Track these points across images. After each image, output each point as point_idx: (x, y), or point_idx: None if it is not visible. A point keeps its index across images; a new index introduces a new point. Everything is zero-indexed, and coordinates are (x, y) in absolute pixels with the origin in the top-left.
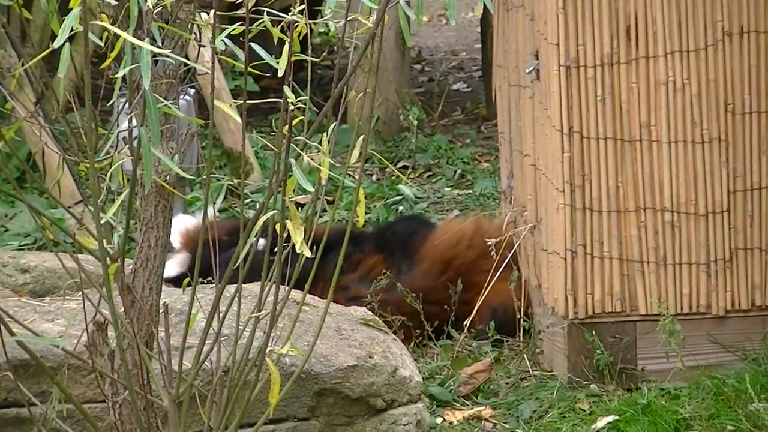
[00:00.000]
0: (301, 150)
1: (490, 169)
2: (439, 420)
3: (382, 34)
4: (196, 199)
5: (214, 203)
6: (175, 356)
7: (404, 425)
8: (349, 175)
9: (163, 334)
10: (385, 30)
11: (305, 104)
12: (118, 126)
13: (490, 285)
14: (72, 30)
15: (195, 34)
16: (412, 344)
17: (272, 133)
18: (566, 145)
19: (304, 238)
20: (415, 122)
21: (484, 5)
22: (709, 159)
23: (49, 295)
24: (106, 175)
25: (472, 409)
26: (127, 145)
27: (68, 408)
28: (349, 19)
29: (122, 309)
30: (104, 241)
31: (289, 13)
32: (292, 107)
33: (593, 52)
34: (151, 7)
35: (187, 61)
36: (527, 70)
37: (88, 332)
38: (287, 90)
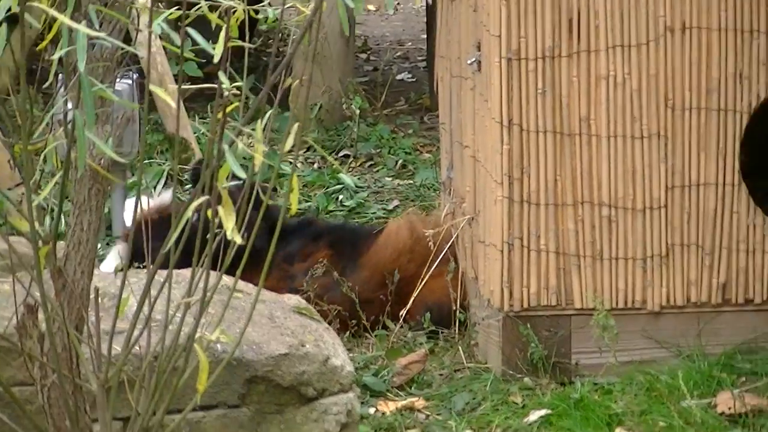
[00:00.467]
0: (236, 137)
1: (432, 159)
2: (372, 410)
3: (320, 21)
4: (135, 184)
5: (154, 188)
6: (106, 341)
7: (335, 414)
8: (290, 162)
9: (94, 318)
10: (328, 18)
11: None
12: (54, 108)
13: (427, 277)
14: (9, 10)
15: (133, 18)
16: (347, 334)
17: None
18: (506, 138)
19: (236, 225)
20: (358, 111)
21: None
22: (648, 154)
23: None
24: (40, 158)
25: (405, 399)
26: (62, 128)
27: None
28: (287, 6)
29: (53, 292)
30: (36, 223)
31: None
32: (226, 93)
33: (535, 44)
34: None
35: (124, 45)
36: (469, 62)
37: (17, 315)
38: (222, 76)
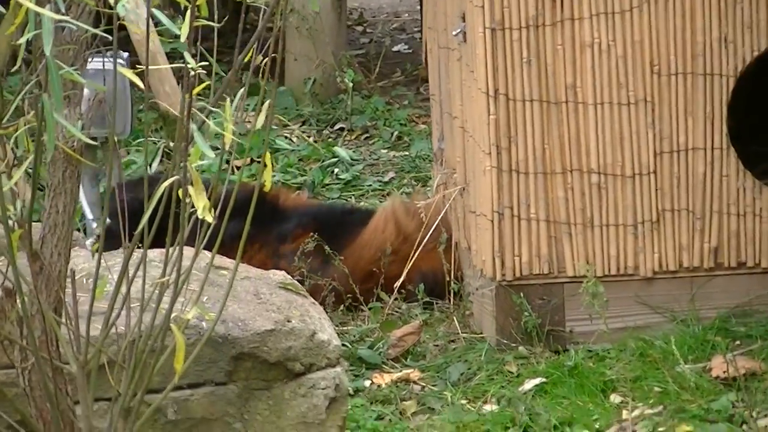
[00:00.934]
0: (207, 117)
1: (427, 130)
2: (367, 383)
3: None
4: (131, 162)
5: (150, 165)
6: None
7: (323, 389)
8: (286, 137)
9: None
10: None
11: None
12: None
13: (419, 249)
14: None
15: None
16: (342, 307)
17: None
18: (492, 108)
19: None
20: (351, 84)
21: None
22: (635, 120)
23: None
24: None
25: (400, 371)
26: (33, 112)
27: None
28: None
29: (30, 275)
30: (10, 207)
31: None
32: (192, 72)
33: (518, 14)
34: None
35: (90, 28)
36: (454, 33)
37: None
38: (188, 56)
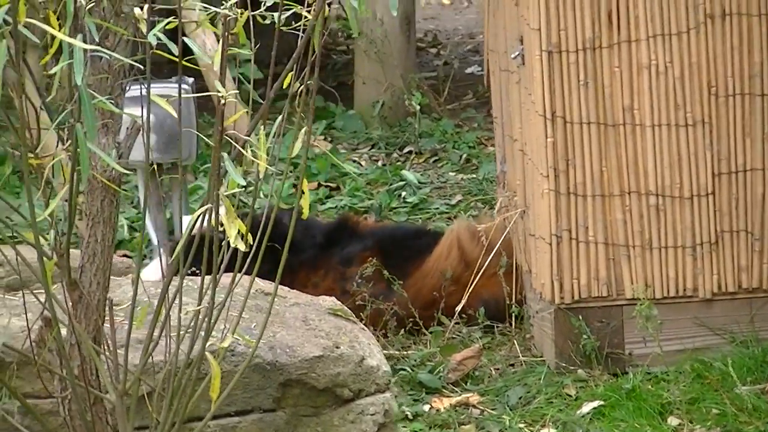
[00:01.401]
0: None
1: (495, 153)
2: (426, 407)
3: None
4: (198, 187)
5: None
6: (135, 350)
7: (372, 415)
8: (354, 161)
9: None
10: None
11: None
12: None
13: (480, 273)
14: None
15: (131, 28)
16: (402, 331)
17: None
18: (549, 130)
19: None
20: (418, 107)
21: None
22: (693, 142)
23: (25, 289)
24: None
25: (460, 395)
26: (69, 142)
27: (32, 403)
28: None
29: (70, 304)
30: (44, 238)
31: (222, 7)
32: (222, 101)
33: (575, 36)
34: (83, 2)
35: (121, 57)
36: (512, 56)
37: (29, 328)
38: (218, 84)
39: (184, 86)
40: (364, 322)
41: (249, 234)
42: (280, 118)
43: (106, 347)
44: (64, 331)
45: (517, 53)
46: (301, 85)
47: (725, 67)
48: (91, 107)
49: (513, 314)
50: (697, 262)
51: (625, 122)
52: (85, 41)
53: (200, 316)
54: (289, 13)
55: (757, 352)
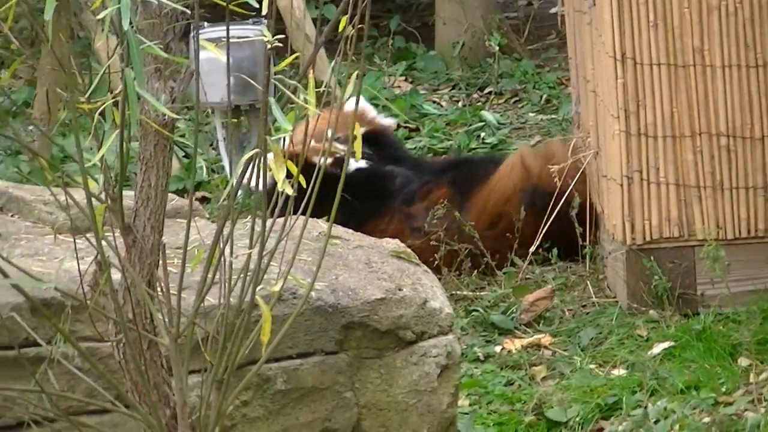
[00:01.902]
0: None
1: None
2: (498, 348)
3: None
4: (278, 127)
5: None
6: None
7: (434, 357)
8: (435, 101)
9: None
10: None
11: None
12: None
13: (554, 213)
14: None
15: None
16: (476, 272)
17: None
18: (620, 72)
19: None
20: (497, 48)
21: None
22: (764, 83)
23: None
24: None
25: (532, 336)
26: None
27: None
28: None
29: (124, 249)
30: (94, 183)
31: None
32: (269, 46)
33: None
34: None
35: (169, 2)
36: None
37: (80, 272)
38: (265, 29)
39: (260, 28)
40: (437, 263)
41: (301, 176)
42: (333, 61)
43: (160, 291)
44: (118, 276)
45: None
46: (353, 28)
47: None
48: (138, 52)
49: (587, 255)
50: None
51: (695, 63)
52: None
53: (253, 260)
54: None
55: None
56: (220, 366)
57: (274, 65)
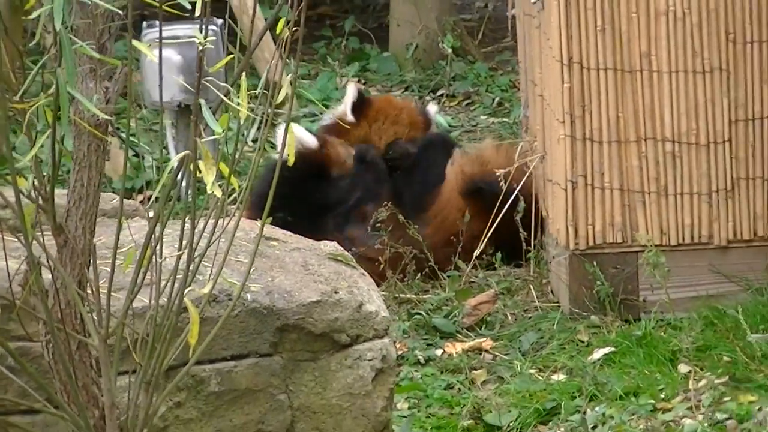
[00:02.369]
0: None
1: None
2: (439, 352)
3: None
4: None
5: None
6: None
7: (369, 360)
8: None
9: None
10: None
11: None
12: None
13: (499, 217)
14: None
15: None
16: (419, 276)
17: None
18: (566, 76)
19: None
20: (450, 50)
21: None
22: (710, 89)
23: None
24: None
25: (473, 340)
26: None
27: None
28: None
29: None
30: (25, 183)
31: None
32: (200, 48)
33: None
34: None
35: (104, 4)
36: (533, 0)
37: (8, 271)
38: (197, 32)
39: (212, 27)
40: (383, 266)
41: (233, 177)
42: (273, 62)
43: (90, 291)
44: (48, 275)
45: None
46: (290, 30)
47: (743, 13)
48: (71, 52)
49: (530, 259)
50: (712, 209)
51: (642, 68)
52: None
53: (182, 261)
54: None
55: None
56: (149, 367)
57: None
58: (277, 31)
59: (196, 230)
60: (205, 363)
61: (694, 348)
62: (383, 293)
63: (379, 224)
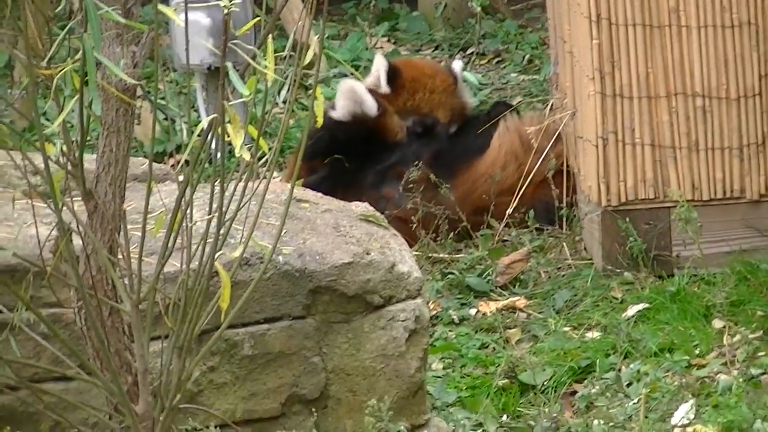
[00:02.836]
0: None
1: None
2: (473, 311)
3: None
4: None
5: (278, 94)
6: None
7: (402, 321)
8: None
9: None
10: None
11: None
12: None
13: (530, 175)
14: None
15: None
16: (452, 235)
17: (342, 23)
18: (595, 32)
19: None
20: (479, 8)
21: None
22: (739, 43)
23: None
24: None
25: (507, 299)
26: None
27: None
28: None
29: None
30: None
31: None
32: (226, 11)
33: None
34: None
35: None
36: None
37: (38, 238)
38: None
39: None
40: (415, 226)
41: (261, 140)
42: (300, 23)
43: (121, 257)
44: (79, 242)
45: None
46: None
47: None
48: (96, 17)
49: (563, 217)
50: (744, 163)
51: (671, 23)
52: None
53: (212, 225)
54: None
55: None
56: (182, 332)
57: None
58: None
59: (226, 194)
60: (238, 326)
61: (727, 303)
62: (416, 253)
63: (411, 185)
